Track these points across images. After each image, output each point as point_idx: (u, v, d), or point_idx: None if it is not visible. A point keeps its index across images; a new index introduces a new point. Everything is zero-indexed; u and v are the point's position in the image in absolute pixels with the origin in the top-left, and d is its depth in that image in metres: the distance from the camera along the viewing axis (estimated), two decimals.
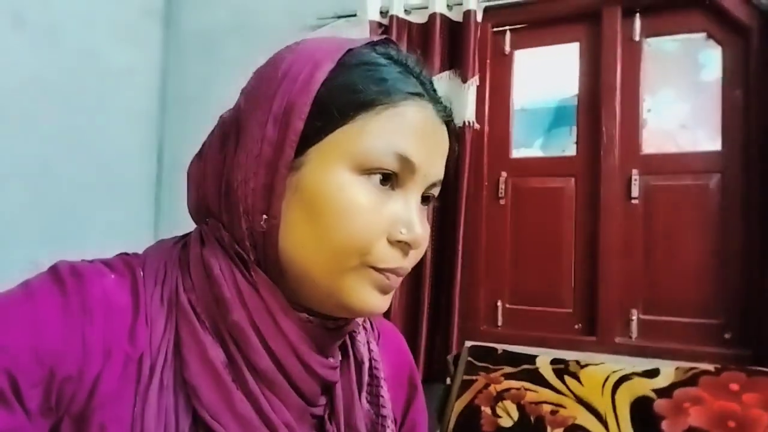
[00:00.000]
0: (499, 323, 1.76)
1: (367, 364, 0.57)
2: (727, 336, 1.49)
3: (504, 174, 1.79)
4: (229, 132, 0.51)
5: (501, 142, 1.82)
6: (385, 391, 0.56)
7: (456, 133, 0.56)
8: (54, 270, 0.46)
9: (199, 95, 2.06)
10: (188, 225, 0.55)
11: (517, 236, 1.78)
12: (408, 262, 0.50)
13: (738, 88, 1.55)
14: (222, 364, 0.46)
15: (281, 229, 0.47)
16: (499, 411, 1.35)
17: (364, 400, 0.55)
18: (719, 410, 1.21)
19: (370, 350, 0.58)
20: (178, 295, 0.48)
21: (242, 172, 0.48)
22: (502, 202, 1.79)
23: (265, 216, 0.47)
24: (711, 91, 1.58)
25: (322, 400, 0.53)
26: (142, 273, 0.49)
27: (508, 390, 1.38)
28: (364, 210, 0.46)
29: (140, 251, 0.53)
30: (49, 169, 1.73)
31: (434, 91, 0.52)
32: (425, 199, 0.52)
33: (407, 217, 0.48)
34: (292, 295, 0.49)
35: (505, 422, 1.33)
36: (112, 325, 0.45)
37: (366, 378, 0.56)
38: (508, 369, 1.44)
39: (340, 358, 0.55)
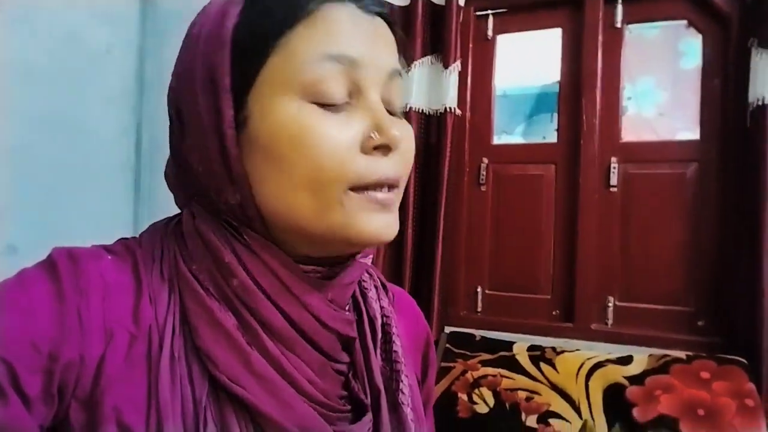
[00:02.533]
0: (479, 309, 1.77)
1: (379, 320, 0.56)
2: (700, 323, 1.51)
3: (485, 160, 1.79)
4: (173, 118, 0.50)
5: (483, 128, 1.81)
6: (398, 346, 0.56)
7: (394, 22, 0.52)
8: (48, 256, 0.46)
9: None
10: (168, 206, 0.55)
11: (497, 223, 1.78)
12: (394, 169, 0.47)
13: (717, 77, 1.55)
14: (233, 326, 0.45)
15: (254, 189, 0.46)
16: (475, 397, 1.37)
17: (378, 356, 0.54)
18: (689, 398, 1.24)
19: (381, 307, 0.57)
20: (179, 267, 0.47)
21: (196, 153, 0.47)
22: (483, 188, 1.79)
23: (231, 184, 0.46)
24: (690, 80, 1.58)
25: (345, 357, 0.52)
26: (140, 253, 0.49)
27: (484, 377, 1.40)
28: (323, 130, 0.44)
29: (120, 234, 0.53)
30: (26, 152, 1.70)
31: None
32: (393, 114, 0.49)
33: (374, 121, 0.45)
34: (292, 249, 0.48)
35: (481, 409, 1.35)
36: (112, 305, 0.44)
37: (379, 334, 0.55)
38: (485, 356, 1.46)
39: (355, 317, 0.54)
